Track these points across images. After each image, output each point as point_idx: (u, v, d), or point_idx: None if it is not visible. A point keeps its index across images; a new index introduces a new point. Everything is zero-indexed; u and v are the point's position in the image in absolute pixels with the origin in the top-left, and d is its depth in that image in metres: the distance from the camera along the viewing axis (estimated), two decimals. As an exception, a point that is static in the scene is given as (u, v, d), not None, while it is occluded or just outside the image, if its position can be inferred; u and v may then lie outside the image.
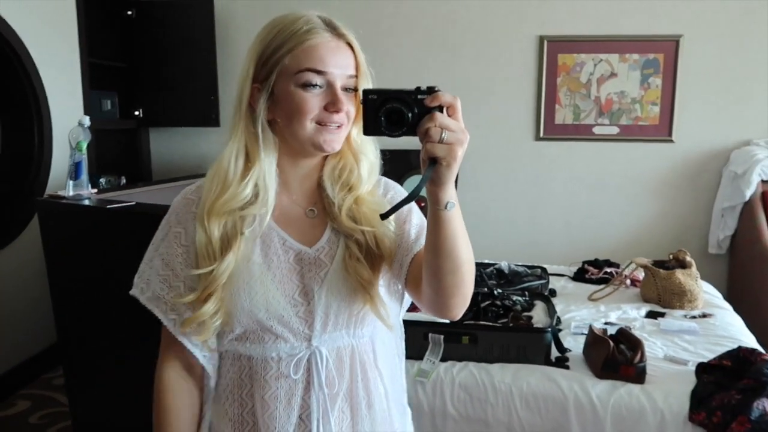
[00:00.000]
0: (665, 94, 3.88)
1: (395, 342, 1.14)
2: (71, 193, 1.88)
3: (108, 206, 1.73)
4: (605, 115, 3.97)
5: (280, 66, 0.96)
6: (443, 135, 0.81)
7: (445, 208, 0.86)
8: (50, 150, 3.31)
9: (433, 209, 0.88)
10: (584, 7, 3.86)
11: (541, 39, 3.94)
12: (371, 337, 1.07)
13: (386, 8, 4.01)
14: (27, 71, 3.12)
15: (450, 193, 0.86)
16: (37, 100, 3.20)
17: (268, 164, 1.00)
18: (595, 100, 3.97)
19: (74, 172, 1.84)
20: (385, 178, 1.14)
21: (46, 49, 3.28)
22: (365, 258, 1.02)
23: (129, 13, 4.05)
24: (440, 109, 0.83)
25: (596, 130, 3.99)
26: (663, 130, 3.91)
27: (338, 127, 0.98)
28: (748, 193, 3.59)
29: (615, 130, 3.97)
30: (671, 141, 3.89)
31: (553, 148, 4.04)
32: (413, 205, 1.10)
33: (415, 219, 1.07)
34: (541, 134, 4.04)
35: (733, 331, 2.34)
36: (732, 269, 3.83)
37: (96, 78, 3.77)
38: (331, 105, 0.96)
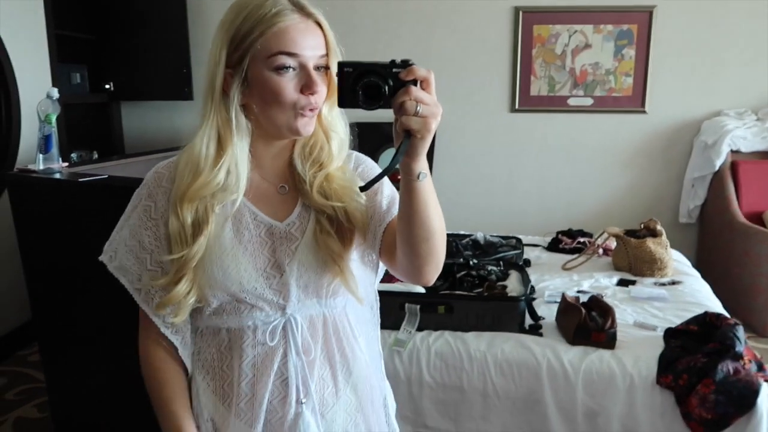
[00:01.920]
0: (638, 66, 3.92)
1: (370, 311, 1.17)
2: (41, 167, 1.85)
3: (80, 179, 1.70)
4: (580, 86, 3.99)
5: (252, 51, 0.96)
6: (418, 108, 0.83)
7: (418, 178, 0.89)
8: (18, 125, 3.24)
9: (406, 180, 0.90)
10: (559, -23, 3.86)
11: (517, 10, 3.94)
12: (345, 308, 1.09)
13: (361, -22, 3.96)
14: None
15: (422, 165, 0.88)
16: (3, 73, 3.12)
17: (240, 149, 1.01)
18: (570, 71, 3.99)
19: (44, 146, 1.81)
20: (355, 153, 1.15)
21: (11, 21, 3.19)
22: (336, 232, 1.04)
23: (97, -17, 3.94)
24: (414, 82, 0.84)
25: (571, 101, 4.01)
26: (636, 102, 3.95)
27: (312, 109, 0.99)
28: (718, 163, 3.66)
29: (589, 101, 4.00)
30: (644, 112, 3.94)
31: (529, 119, 4.06)
32: (386, 182, 1.12)
33: (386, 190, 1.08)
34: (517, 106, 4.06)
35: (700, 297, 2.41)
36: (701, 238, 3.92)
37: (64, 51, 3.67)
38: (306, 87, 0.97)
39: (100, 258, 1.07)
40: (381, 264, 1.12)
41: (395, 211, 1.06)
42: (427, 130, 0.84)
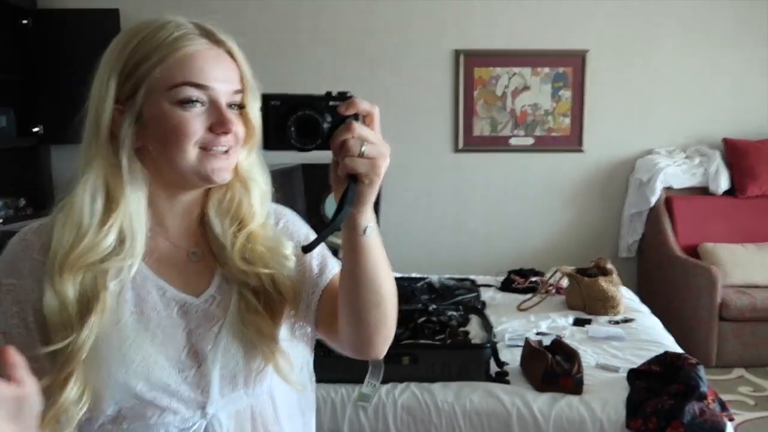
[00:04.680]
0: (575, 106, 4.06)
1: (303, 395, 0.97)
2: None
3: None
4: (521, 126, 4.09)
5: (149, 81, 0.79)
6: (363, 148, 0.71)
7: (364, 233, 0.76)
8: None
9: (349, 236, 0.77)
10: (498, 22, 3.98)
11: (457, 53, 4.02)
12: (269, 392, 0.90)
13: (304, 20, 3.94)
14: None
15: (368, 216, 0.76)
16: None
17: (135, 202, 0.82)
18: (510, 112, 4.09)
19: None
20: (275, 205, 0.97)
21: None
22: (264, 306, 0.87)
23: (24, 22, 3.75)
24: (356, 117, 0.72)
25: (513, 141, 4.10)
26: (574, 141, 4.08)
27: (226, 151, 0.82)
28: (653, 200, 3.81)
29: (530, 140, 4.10)
30: (581, 151, 4.07)
31: (472, 159, 4.12)
32: (309, 231, 0.98)
33: (317, 249, 0.89)
34: (460, 146, 4.11)
35: (654, 334, 2.46)
36: (641, 271, 4.05)
37: (-12, 92, 3.47)
38: (219, 126, 0.80)
39: None
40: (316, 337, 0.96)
41: (330, 274, 0.92)
42: (376, 174, 0.72)
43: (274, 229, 0.93)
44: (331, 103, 0.73)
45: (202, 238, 0.90)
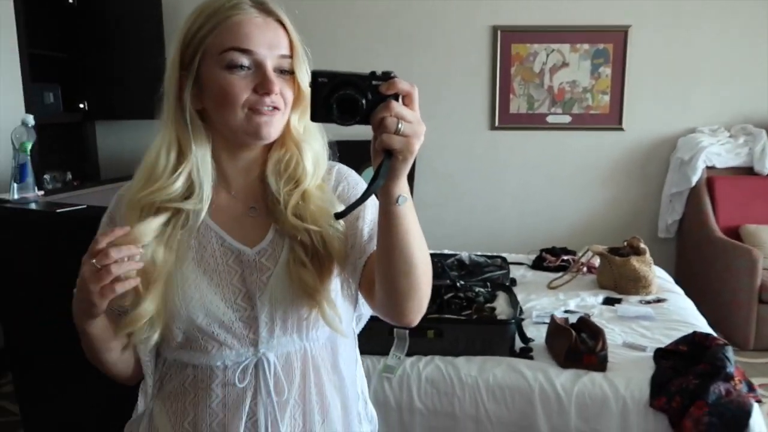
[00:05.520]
0: (615, 84, 3.97)
1: (353, 347, 1.08)
2: (16, 197, 1.78)
3: (57, 210, 1.64)
4: (558, 104, 4.03)
5: (203, 47, 0.89)
6: (399, 126, 0.75)
7: (397, 202, 0.80)
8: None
9: (384, 205, 0.81)
10: (536, -3, 3.90)
11: (495, 29, 3.97)
12: (329, 340, 1.01)
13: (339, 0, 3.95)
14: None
15: (402, 187, 0.80)
16: (-26, 94, 3.03)
17: (201, 156, 0.93)
18: (548, 89, 4.02)
19: (19, 175, 1.75)
20: (338, 165, 1.05)
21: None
22: (312, 261, 0.95)
23: (70, 1, 3.86)
24: (396, 97, 0.76)
25: (550, 119, 4.04)
26: (613, 119, 4.00)
27: (273, 109, 0.90)
28: (695, 179, 3.72)
29: (567, 119, 4.03)
30: (621, 129, 3.99)
31: (508, 137, 4.08)
32: (374, 201, 1.04)
33: (369, 215, 0.98)
34: (496, 124, 4.07)
35: (686, 315, 2.42)
36: (680, 252, 3.97)
37: (37, 70, 3.59)
38: (260, 87, 0.88)
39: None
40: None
41: None
42: (410, 151, 0.76)
43: (330, 191, 1.00)
44: (374, 82, 0.77)
45: (261, 195, 0.99)
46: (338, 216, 0.84)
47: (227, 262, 0.95)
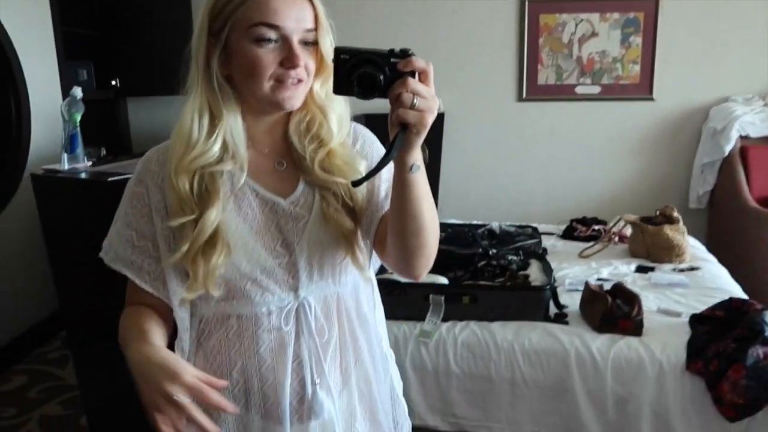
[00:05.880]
0: (645, 53, 3.91)
1: (372, 293, 1.16)
2: (66, 167, 1.84)
3: (109, 179, 1.70)
4: (587, 74, 3.99)
5: (233, 19, 0.92)
6: (415, 101, 0.80)
7: (411, 170, 0.87)
8: (28, 123, 3.22)
9: (398, 172, 0.88)
10: (566, -35, 3.84)
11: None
12: (353, 286, 1.08)
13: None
14: (0, 42, 3.00)
15: (416, 156, 0.86)
16: (13, 72, 3.10)
17: (232, 119, 0.98)
18: (576, 59, 3.98)
19: (69, 146, 1.80)
20: (354, 124, 1.11)
21: (18, 18, 3.16)
22: (342, 208, 1.02)
23: (100, -22, 3.91)
24: (412, 74, 0.81)
25: (578, 90, 4.01)
26: (644, 89, 3.95)
27: (297, 82, 0.95)
28: (727, 149, 3.66)
29: (597, 89, 3.99)
30: (652, 99, 3.93)
31: (536, 108, 4.05)
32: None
33: (386, 174, 1.04)
34: (524, 95, 4.05)
35: (720, 282, 2.42)
36: (711, 223, 3.94)
37: (70, 47, 3.65)
38: (287, 61, 0.93)
39: (100, 255, 1.04)
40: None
41: None
42: (423, 125, 0.82)
43: (351, 148, 1.07)
44: (392, 59, 0.82)
45: (287, 151, 1.05)
46: (355, 184, 0.91)
47: (264, 212, 1.01)
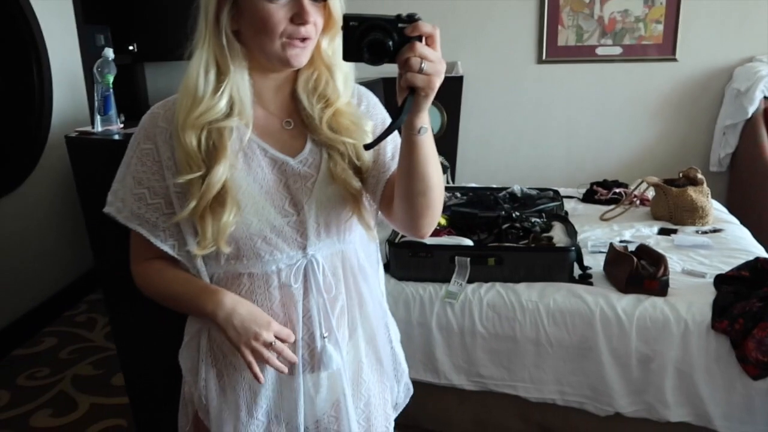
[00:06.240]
0: (669, 12, 3.83)
1: (375, 250, 1.21)
2: (100, 129, 1.85)
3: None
4: (608, 35, 3.92)
5: None
6: (422, 65, 0.82)
7: (419, 132, 0.89)
8: (50, 86, 3.23)
9: (406, 134, 0.90)
10: None
11: (543, -43, 3.84)
12: (356, 244, 1.11)
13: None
14: (20, 6, 2.99)
15: (424, 119, 0.89)
16: (34, 36, 3.10)
17: (239, 75, 0.98)
18: (598, 20, 3.91)
19: (102, 107, 1.81)
20: (357, 86, 1.12)
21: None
22: (349, 167, 1.04)
23: (116, -60, 3.86)
24: (420, 38, 0.83)
25: (599, 51, 3.95)
26: (667, 49, 3.89)
27: (305, 40, 0.96)
28: (751, 110, 3.61)
29: (618, 50, 3.93)
30: (675, 60, 3.87)
31: (556, 70, 4.01)
32: (385, 116, 1.14)
33: (391, 135, 1.04)
34: (544, 57, 4.00)
35: (744, 243, 2.42)
36: (732, 186, 3.91)
37: (87, 11, 3.63)
38: (297, 17, 0.93)
39: (105, 210, 1.05)
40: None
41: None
42: (431, 88, 0.84)
43: (357, 108, 1.09)
44: (400, 25, 0.83)
45: (294, 110, 1.06)
46: (367, 147, 0.94)
47: (272, 171, 1.02)
